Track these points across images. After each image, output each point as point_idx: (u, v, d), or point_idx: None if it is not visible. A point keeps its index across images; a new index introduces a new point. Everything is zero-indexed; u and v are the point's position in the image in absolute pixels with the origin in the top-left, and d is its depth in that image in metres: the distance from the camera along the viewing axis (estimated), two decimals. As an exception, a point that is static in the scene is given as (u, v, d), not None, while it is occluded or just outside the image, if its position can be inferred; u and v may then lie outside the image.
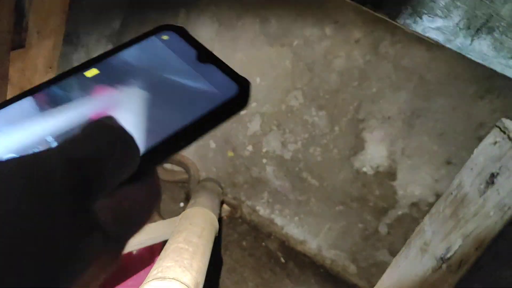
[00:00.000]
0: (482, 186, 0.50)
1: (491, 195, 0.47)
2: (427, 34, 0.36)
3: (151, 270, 0.97)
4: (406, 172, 1.56)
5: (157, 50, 0.27)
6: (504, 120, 0.52)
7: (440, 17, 0.34)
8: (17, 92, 0.82)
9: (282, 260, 1.75)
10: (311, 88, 1.58)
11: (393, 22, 1.08)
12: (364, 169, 1.61)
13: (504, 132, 0.50)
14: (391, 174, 1.58)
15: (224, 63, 0.27)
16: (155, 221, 1.56)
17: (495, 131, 0.52)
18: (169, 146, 0.23)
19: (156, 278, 0.91)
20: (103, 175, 0.19)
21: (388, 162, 1.57)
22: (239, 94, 0.26)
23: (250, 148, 1.76)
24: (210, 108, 0.25)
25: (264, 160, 1.76)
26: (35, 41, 0.74)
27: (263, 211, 1.84)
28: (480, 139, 1.42)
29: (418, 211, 1.58)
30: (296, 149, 1.68)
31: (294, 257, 1.78)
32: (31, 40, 0.73)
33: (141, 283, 0.93)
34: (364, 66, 1.47)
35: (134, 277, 1.15)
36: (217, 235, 1.19)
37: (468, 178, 0.56)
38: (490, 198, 0.47)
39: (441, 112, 1.43)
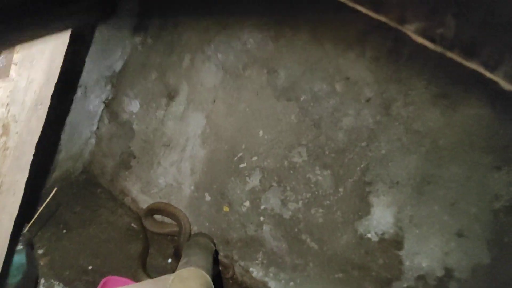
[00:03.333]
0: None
1: None
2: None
3: None
4: (413, 242, 1.45)
5: None
6: None
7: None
8: None
9: (274, 330, 1.60)
10: (316, 145, 1.50)
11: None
12: (369, 235, 1.50)
13: None
14: (397, 243, 1.47)
15: None
16: (140, 280, 1.42)
17: None
18: None
19: None
20: None
21: (394, 230, 1.46)
22: None
23: (247, 204, 1.66)
24: None
25: (262, 218, 1.65)
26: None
27: (256, 272, 1.70)
28: (495, 212, 1.33)
29: (425, 284, 1.46)
30: (297, 208, 1.58)
31: (287, 327, 1.63)
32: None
33: None
34: (373, 126, 1.40)
35: None
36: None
37: None
38: None
39: (453, 180, 1.35)
